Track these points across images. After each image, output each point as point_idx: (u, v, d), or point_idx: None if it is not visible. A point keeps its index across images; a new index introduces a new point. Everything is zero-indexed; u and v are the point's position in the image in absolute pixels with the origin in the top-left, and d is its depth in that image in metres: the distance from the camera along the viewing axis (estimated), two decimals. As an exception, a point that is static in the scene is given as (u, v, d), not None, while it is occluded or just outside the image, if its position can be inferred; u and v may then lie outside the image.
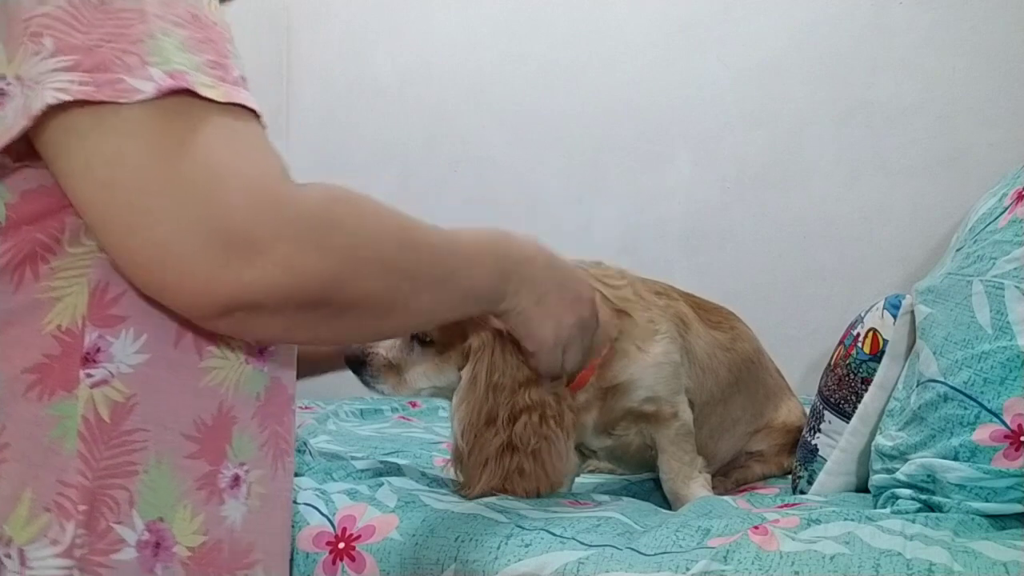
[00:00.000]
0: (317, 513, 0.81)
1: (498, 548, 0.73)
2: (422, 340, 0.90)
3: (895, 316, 1.00)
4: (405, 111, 2.25)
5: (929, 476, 0.80)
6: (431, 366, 0.90)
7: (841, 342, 1.09)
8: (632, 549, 0.71)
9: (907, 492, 0.82)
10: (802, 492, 1.04)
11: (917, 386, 0.86)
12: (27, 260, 0.58)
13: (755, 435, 1.17)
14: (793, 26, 1.82)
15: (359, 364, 0.92)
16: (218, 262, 0.53)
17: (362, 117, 2.31)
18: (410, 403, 1.87)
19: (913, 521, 0.74)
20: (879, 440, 0.90)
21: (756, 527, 0.72)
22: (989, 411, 0.77)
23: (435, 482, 0.95)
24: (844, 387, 1.04)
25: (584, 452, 1.06)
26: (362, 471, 0.97)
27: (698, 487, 1.00)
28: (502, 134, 2.13)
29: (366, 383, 0.92)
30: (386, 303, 0.62)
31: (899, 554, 0.66)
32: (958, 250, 0.94)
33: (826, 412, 1.06)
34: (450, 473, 0.94)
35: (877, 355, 1.00)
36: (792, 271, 1.83)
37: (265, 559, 0.68)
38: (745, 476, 1.15)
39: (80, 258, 0.59)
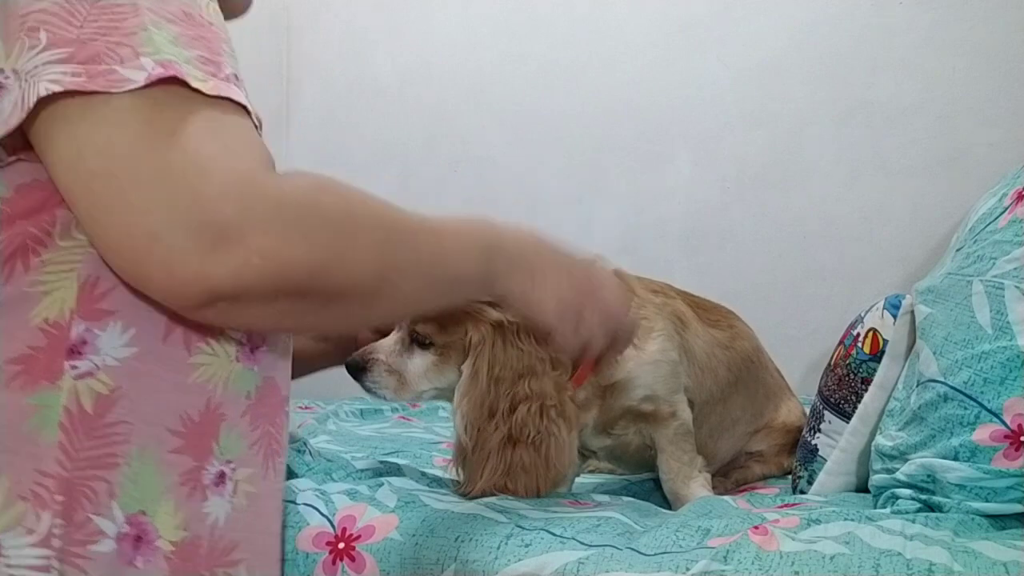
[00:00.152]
0: (317, 513, 0.81)
1: (498, 548, 0.73)
2: (421, 342, 0.90)
3: (895, 316, 1.00)
4: (405, 111, 2.25)
5: (929, 476, 0.80)
6: (432, 367, 0.90)
7: (841, 342, 1.09)
8: (632, 549, 0.71)
9: (907, 492, 0.82)
10: (802, 492, 1.04)
11: (917, 386, 0.86)
12: (18, 253, 0.59)
13: (755, 435, 1.17)
14: (793, 26, 1.82)
15: (360, 370, 0.91)
16: (202, 252, 0.53)
17: (362, 117, 2.31)
18: (410, 403, 1.87)
19: (913, 521, 0.74)
20: (879, 440, 0.90)
21: (756, 527, 0.72)
22: (989, 411, 0.77)
23: (435, 482, 0.95)
24: (844, 387, 1.04)
25: (584, 452, 1.06)
26: (362, 471, 0.97)
27: (698, 487, 1.00)
28: (502, 134, 2.13)
29: (368, 389, 0.92)
30: (373, 291, 0.62)
31: (899, 554, 0.66)
32: (958, 250, 0.94)
33: (826, 412, 1.06)
34: (452, 473, 0.94)
35: (877, 355, 1.00)
36: (792, 271, 1.83)
37: (250, 559, 0.67)
38: (745, 476, 1.15)
39: (71, 252, 0.59)
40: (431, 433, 1.58)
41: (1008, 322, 0.79)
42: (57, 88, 0.53)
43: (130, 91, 0.53)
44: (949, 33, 1.69)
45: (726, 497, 0.96)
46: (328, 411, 1.71)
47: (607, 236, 1.99)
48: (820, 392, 1.09)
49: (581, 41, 2.04)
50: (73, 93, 0.53)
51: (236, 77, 0.60)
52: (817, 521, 0.75)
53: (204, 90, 0.56)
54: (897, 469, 0.84)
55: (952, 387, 0.80)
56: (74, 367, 0.59)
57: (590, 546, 0.72)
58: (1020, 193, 0.88)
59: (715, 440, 1.11)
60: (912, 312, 0.96)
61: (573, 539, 0.73)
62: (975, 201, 1.05)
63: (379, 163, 2.25)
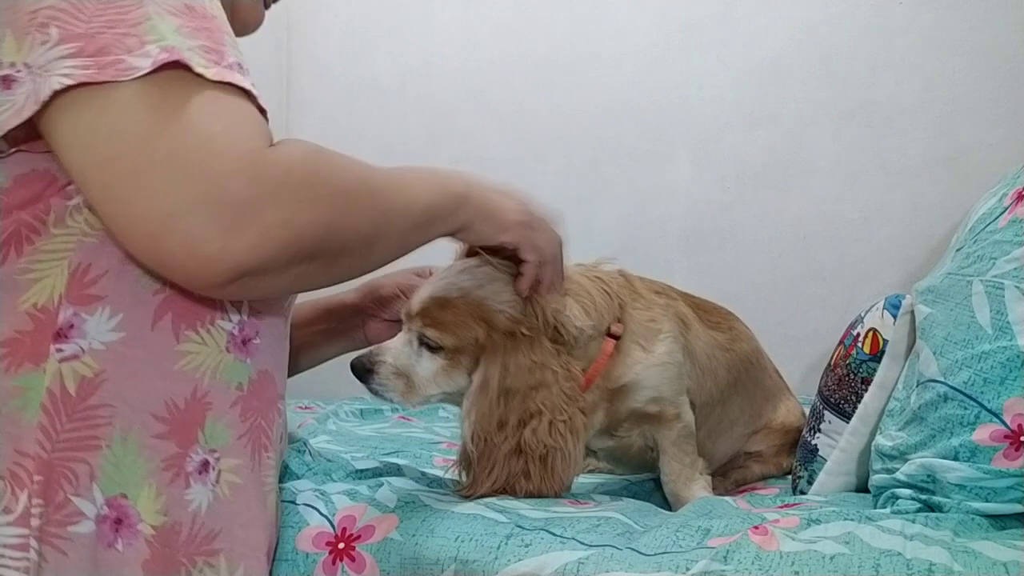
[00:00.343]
0: (317, 513, 0.81)
1: (498, 548, 0.73)
2: (431, 346, 0.88)
3: (895, 316, 1.00)
4: (405, 111, 2.25)
5: (929, 476, 0.80)
6: (441, 372, 0.88)
7: (841, 342, 1.09)
8: (632, 549, 0.71)
9: (907, 492, 0.82)
10: (802, 492, 1.04)
11: (917, 386, 0.86)
12: (12, 239, 0.60)
13: (753, 436, 1.17)
14: (793, 26, 1.82)
15: (366, 373, 0.89)
16: (221, 231, 0.55)
17: (362, 117, 2.31)
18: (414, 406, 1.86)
19: (913, 521, 0.74)
20: (879, 440, 0.90)
21: (756, 527, 0.72)
22: (989, 411, 0.77)
23: (435, 482, 0.94)
24: (844, 387, 1.04)
25: (584, 452, 1.05)
26: (362, 471, 0.97)
27: (699, 489, 1.00)
28: (502, 134, 2.13)
29: (374, 392, 0.90)
30: (370, 238, 0.66)
31: (899, 554, 0.66)
32: (958, 250, 0.94)
33: (826, 412, 1.06)
34: (453, 474, 0.93)
35: (877, 355, 1.00)
36: (792, 271, 1.83)
37: (231, 549, 0.68)
38: (744, 476, 1.15)
39: (64, 240, 0.61)
40: (431, 433, 1.58)
41: (1008, 322, 0.79)
42: (69, 82, 0.55)
43: (138, 78, 0.56)
44: (949, 33, 1.69)
45: (726, 497, 0.96)
46: (328, 411, 1.71)
47: (607, 236, 1.99)
48: (820, 392, 1.09)
49: (581, 41, 2.04)
50: (84, 84, 0.55)
51: (240, 65, 0.62)
52: (817, 521, 0.75)
53: (207, 76, 0.58)
54: (897, 469, 0.84)
55: (952, 387, 0.80)
56: (60, 350, 0.60)
57: (590, 546, 0.72)
58: (1020, 193, 0.88)
59: (713, 441, 1.10)
60: (912, 312, 0.96)
61: (573, 539, 0.73)
62: (975, 201, 1.05)
63: (379, 163, 2.24)
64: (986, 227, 0.90)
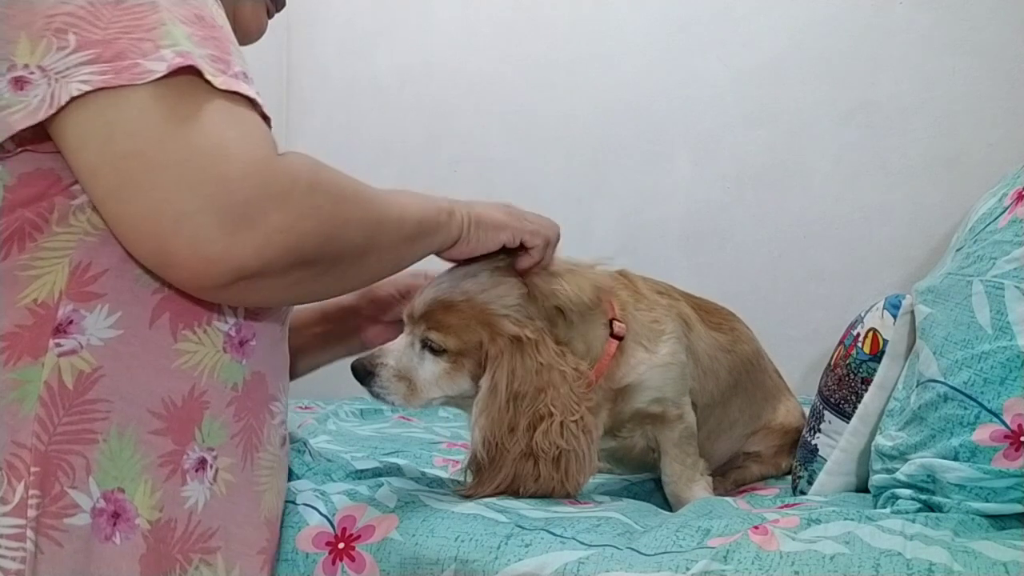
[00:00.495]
0: (317, 513, 0.81)
1: (498, 548, 0.73)
2: (433, 348, 0.87)
3: (895, 316, 1.00)
4: (405, 110, 2.25)
5: (929, 476, 0.80)
6: (444, 375, 0.87)
7: (841, 342, 1.09)
8: (632, 549, 0.71)
9: (907, 492, 0.82)
10: (802, 492, 1.04)
11: (917, 386, 0.86)
12: (14, 236, 0.61)
13: (752, 436, 1.17)
14: (793, 26, 1.82)
15: (367, 375, 0.88)
16: (227, 233, 0.57)
17: (362, 117, 2.31)
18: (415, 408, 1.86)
19: (913, 521, 0.74)
20: (879, 440, 0.90)
21: (756, 527, 0.72)
22: (989, 411, 0.77)
23: (435, 482, 0.94)
24: (844, 387, 1.04)
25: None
26: (362, 471, 0.96)
27: (700, 490, 0.99)
28: (502, 134, 2.13)
29: (375, 395, 0.89)
30: (364, 249, 0.68)
31: (899, 554, 0.66)
32: (958, 250, 0.94)
33: (826, 412, 1.06)
34: (457, 474, 0.93)
35: (877, 355, 1.00)
36: (792, 271, 1.83)
37: (228, 547, 0.69)
38: (743, 476, 1.15)
39: (65, 238, 0.62)
40: (431, 433, 1.58)
41: (1008, 322, 0.79)
42: (87, 88, 0.57)
43: (152, 81, 0.57)
44: (949, 33, 1.69)
45: (726, 498, 0.96)
46: (328, 411, 1.71)
47: (607, 236, 1.99)
48: (820, 392, 1.09)
49: (581, 41, 2.04)
50: (101, 89, 0.57)
51: (245, 75, 0.64)
52: (817, 521, 0.75)
53: (216, 84, 0.60)
54: (897, 469, 0.84)
55: (952, 387, 0.80)
56: (58, 344, 0.61)
57: (590, 546, 0.72)
58: (1020, 193, 0.88)
59: (712, 441, 1.10)
60: (912, 312, 0.96)
61: (573, 539, 0.73)
62: (975, 201, 1.05)
63: (379, 162, 2.25)
64: (986, 227, 0.90)
